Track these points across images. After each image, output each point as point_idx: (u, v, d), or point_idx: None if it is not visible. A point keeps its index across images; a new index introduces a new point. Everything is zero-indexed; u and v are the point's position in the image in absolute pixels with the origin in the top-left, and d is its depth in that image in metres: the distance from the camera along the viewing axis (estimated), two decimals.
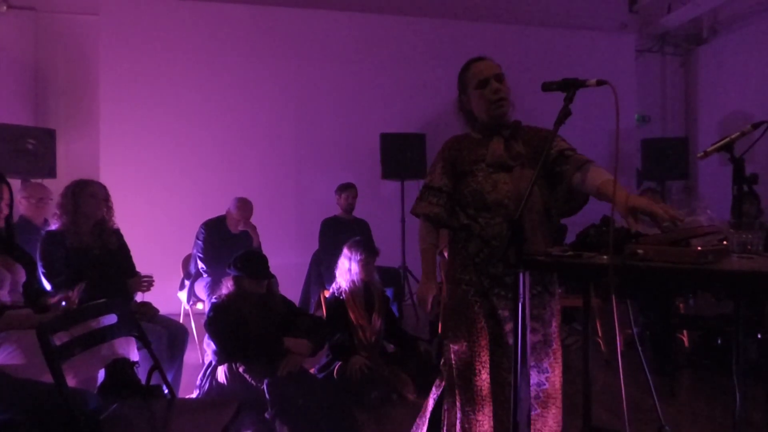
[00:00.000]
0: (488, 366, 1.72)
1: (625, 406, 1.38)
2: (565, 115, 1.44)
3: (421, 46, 5.76)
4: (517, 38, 5.91)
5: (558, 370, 1.77)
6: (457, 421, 1.75)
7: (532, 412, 1.71)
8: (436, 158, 1.89)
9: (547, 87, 1.53)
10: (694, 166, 6.15)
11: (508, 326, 1.71)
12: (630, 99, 6.10)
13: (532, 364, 1.70)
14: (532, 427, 1.72)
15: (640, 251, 1.28)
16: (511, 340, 1.71)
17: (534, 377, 1.72)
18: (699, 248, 1.23)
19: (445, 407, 1.81)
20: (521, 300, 1.38)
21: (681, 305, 3.83)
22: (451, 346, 1.78)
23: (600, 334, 3.60)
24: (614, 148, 1.43)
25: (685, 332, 3.77)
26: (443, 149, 1.88)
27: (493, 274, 1.72)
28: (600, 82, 1.43)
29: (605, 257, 1.33)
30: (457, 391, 1.75)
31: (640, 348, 1.54)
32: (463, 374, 1.73)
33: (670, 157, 5.53)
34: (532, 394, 1.71)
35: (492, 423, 1.72)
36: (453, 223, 1.81)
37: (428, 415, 1.90)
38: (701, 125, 6.67)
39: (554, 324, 1.76)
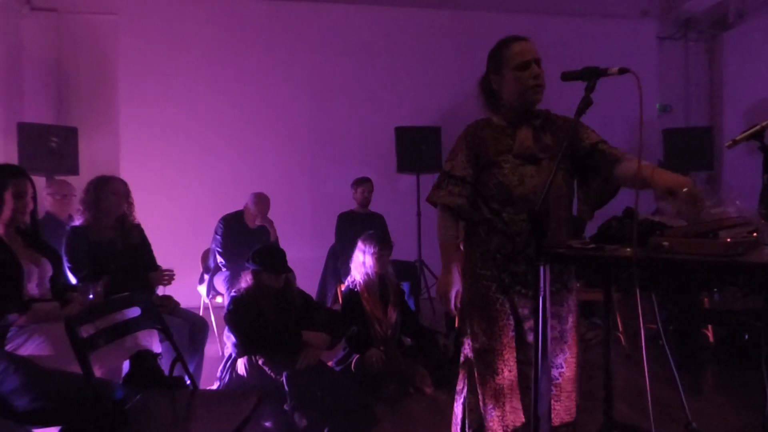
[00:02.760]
0: (511, 363, 1.67)
1: (650, 401, 1.36)
2: (586, 104, 1.42)
3: (436, 39, 5.70)
4: (534, 28, 5.72)
5: (573, 366, 1.73)
6: (482, 418, 1.70)
7: None
8: (457, 144, 1.78)
9: (567, 76, 1.50)
10: (719, 157, 5.99)
11: (528, 324, 1.67)
12: (651, 88, 5.95)
13: None
14: (556, 417, 1.69)
15: (665, 243, 1.25)
16: (531, 338, 1.66)
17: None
18: (728, 240, 1.20)
19: (469, 407, 1.76)
20: (542, 294, 1.36)
21: (705, 299, 3.74)
22: (470, 343, 1.73)
23: (620, 329, 3.54)
24: (635, 138, 1.40)
25: (710, 327, 3.69)
26: (466, 135, 1.76)
27: (515, 271, 1.66)
28: (623, 71, 1.39)
29: (628, 250, 1.30)
30: (479, 390, 1.71)
31: (666, 343, 1.51)
32: (485, 372, 1.69)
33: (694, 148, 5.40)
34: None
35: (515, 418, 1.67)
36: (474, 216, 1.73)
37: (459, 422, 1.81)
38: (726, 114, 6.48)
39: (570, 320, 1.72)
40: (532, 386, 1.41)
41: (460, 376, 1.82)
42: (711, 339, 3.66)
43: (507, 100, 1.70)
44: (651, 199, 4.30)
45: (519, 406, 1.68)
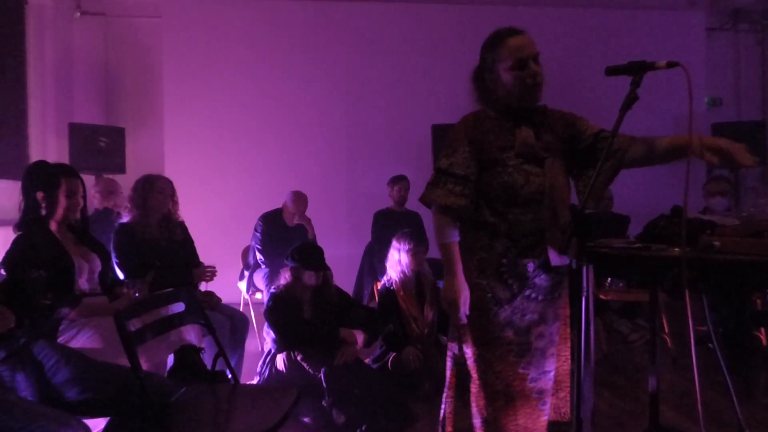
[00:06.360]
0: (504, 375, 1.60)
1: (699, 405, 1.31)
2: (632, 100, 1.37)
3: (473, 35, 5.59)
4: (578, 22, 5.66)
5: (558, 369, 1.68)
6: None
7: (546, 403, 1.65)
8: (455, 137, 1.62)
9: (612, 71, 1.44)
10: None
11: (537, 330, 1.60)
12: (700, 81, 5.70)
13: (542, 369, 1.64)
14: (556, 412, 1.67)
15: (716, 243, 1.20)
16: (539, 344, 1.61)
17: (541, 381, 1.64)
18: None
19: (449, 412, 1.68)
20: (584, 295, 1.33)
21: (758, 301, 3.57)
22: (464, 351, 1.65)
23: (666, 331, 3.42)
24: (682, 133, 1.35)
25: (762, 330, 3.51)
26: (465, 128, 1.62)
27: (522, 274, 1.57)
28: (671, 64, 1.34)
29: (677, 249, 1.26)
30: (473, 399, 1.65)
31: (717, 346, 1.45)
32: (480, 381, 1.62)
33: (745, 142, 5.10)
34: (545, 387, 1.65)
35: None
36: (477, 218, 1.60)
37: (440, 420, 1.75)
38: None
39: (557, 324, 1.66)
40: (574, 388, 1.37)
41: (452, 374, 1.75)
42: (764, 342, 3.49)
43: (501, 97, 1.60)
44: (700, 197, 4.13)
45: (520, 413, 1.61)
